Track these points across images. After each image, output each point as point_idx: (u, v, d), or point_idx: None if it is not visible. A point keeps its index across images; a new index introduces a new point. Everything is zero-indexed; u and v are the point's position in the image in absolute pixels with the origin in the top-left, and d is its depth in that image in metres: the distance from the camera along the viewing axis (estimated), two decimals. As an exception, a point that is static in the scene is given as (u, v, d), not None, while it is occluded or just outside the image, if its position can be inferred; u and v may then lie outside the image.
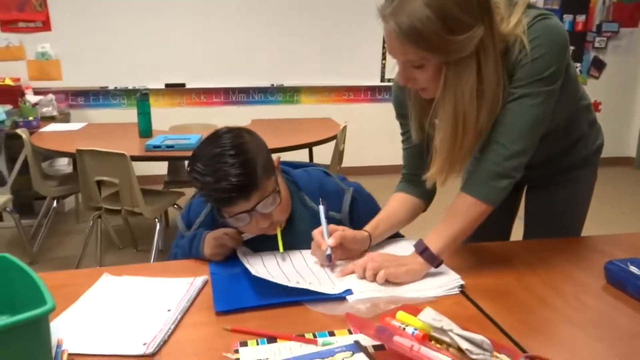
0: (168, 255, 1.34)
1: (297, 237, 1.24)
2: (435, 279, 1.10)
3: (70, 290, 1.06)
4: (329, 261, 1.13)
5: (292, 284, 1.05)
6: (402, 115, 1.26)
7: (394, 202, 1.29)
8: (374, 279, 1.07)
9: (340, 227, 1.17)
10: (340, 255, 1.15)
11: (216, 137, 1.16)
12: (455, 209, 1.13)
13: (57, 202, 3.26)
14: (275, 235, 1.21)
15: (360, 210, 1.30)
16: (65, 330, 0.91)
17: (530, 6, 1.09)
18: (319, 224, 1.20)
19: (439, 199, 1.31)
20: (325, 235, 1.14)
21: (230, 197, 1.10)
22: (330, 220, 1.25)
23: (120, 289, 1.08)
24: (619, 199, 4.32)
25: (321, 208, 1.19)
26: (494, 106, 1.07)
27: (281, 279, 1.07)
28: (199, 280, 1.10)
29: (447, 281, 1.08)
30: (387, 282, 1.07)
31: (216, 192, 1.11)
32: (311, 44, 4.67)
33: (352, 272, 1.10)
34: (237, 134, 1.17)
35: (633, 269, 1.05)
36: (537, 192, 1.43)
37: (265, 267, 1.15)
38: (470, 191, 1.11)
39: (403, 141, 1.29)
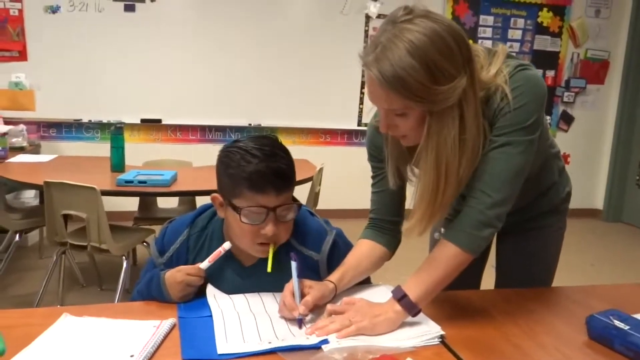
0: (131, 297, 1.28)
1: (273, 272, 1.18)
2: (413, 329, 1.06)
3: (26, 331, 0.98)
4: (299, 327, 1.06)
5: (264, 345, 0.97)
6: (376, 159, 1.23)
7: (361, 251, 1.24)
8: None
9: (307, 284, 1.13)
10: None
11: (260, 136, 1.19)
12: (436, 256, 1.10)
13: (20, 236, 3.12)
14: (236, 278, 1.22)
15: (340, 256, 1.25)
16: (16, 375, 0.84)
17: (509, 56, 1.10)
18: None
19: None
20: (297, 299, 1.08)
21: (273, 180, 1.11)
22: (308, 260, 1.22)
23: (80, 331, 1.01)
24: (588, 251, 4.39)
25: (293, 265, 1.12)
26: (475, 155, 1.06)
27: (253, 341, 0.99)
28: (167, 324, 1.03)
29: (426, 331, 1.05)
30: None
31: (263, 167, 1.10)
32: (290, 85, 4.71)
33: (332, 332, 1.02)
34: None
35: (618, 323, 1.02)
36: (508, 239, 1.43)
37: (238, 314, 1.09)
38: (452, 239, 1.09)
39: (374, 184, 1.27)
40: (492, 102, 1.06)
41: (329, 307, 1.11)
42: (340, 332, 1.02)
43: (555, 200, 1.38)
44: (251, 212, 1.12)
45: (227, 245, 1.18)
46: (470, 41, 1.02)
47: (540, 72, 5.19)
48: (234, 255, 1.24)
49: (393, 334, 1.04)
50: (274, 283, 1.19)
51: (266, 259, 1.19)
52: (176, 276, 1.16)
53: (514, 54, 1.11)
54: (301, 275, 1.16)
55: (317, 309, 1.12)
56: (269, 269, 1.15)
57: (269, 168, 1.11)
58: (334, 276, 1.18)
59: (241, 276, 1.23)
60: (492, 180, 1.07)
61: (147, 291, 1.19)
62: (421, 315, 1.08)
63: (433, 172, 1.04)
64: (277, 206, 1.13)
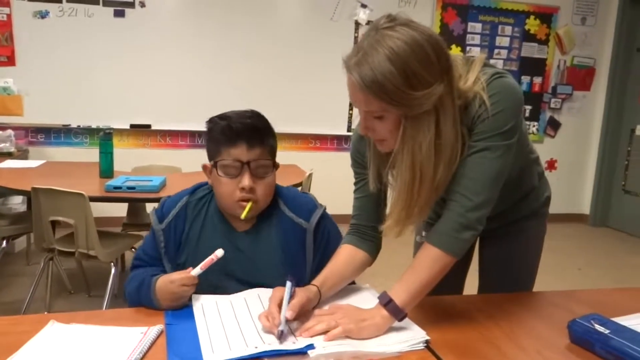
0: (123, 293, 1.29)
1: (263, 237, 1.31)
2: (399, 334, 1.07)
3: (13, 338, 0.99)
4: (278, 338, 1.02)
5: (250, 350, 0.98)
6: (360, 165, 1.26)
7: (343, 256, 1.26)
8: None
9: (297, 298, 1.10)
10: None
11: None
12: (419, 260, 1.12)
13: (7, 243, 3.09)
14: (229, 243, 1.27)
15: (327, 229, 1.35)
16: (2, 383, 0.84)
17: (486, 64, 1.13)
18: (286, 228, 1.29)
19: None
20: (283, 315, 1.04)
21: (242, 132, 1.22)
22: (297, 228, 1.31)
23: (67, 338, 1.01)
24: (574, 255, 4.43)
25: (288, 284, 1.12)
26: (452, 161, 1.09)
27: (239, 348, 0.99)
28: (153, 331, 1.04)
29: (412, 336, 1.06)
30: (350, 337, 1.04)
31: (235, 123, 1.22)
32: (279, 90, 4.72)
33: (319, 334, 1.04)
34: None
35: (599, 327, 1.04)
36: (490, 243, 1.45)
37: (222, 322, 1.10)
38: (435, 242, 1.12)
39: (356, 190, 1.29)
40: (471, 108, 1.09)
41: (316, 311, 1.12)
42: (327, 335, 1.03)
43: (535, 204, 1.41)
44: (226, 165, 1.23)
45: (219, 252, 1.19)
46: (458, 49, 1.04)
47: (527, 78, 5.27)
48: (226, 220, 1.32)
49: (379, 339, 1.05)
50: (266, 249, 1.30)
51: (257, 226, 1.31)
52: (170, 287, 1.16)
53: (490, 62, 1.14)
54: (288, 241, 1.27)
55: (301, 317, 1.11)
56: (242, 216, 1.24)
57: (241, 123, 1.23)
58: (317, 280, 1.19)
59: (234, 241, 1.29)
60: (472, 183, 1.10)
61: (137, 296, 1.20)
62: (406, 321, 1.10)
63: (408, 174, 1.07)
64: (251, 160, 1.23)
